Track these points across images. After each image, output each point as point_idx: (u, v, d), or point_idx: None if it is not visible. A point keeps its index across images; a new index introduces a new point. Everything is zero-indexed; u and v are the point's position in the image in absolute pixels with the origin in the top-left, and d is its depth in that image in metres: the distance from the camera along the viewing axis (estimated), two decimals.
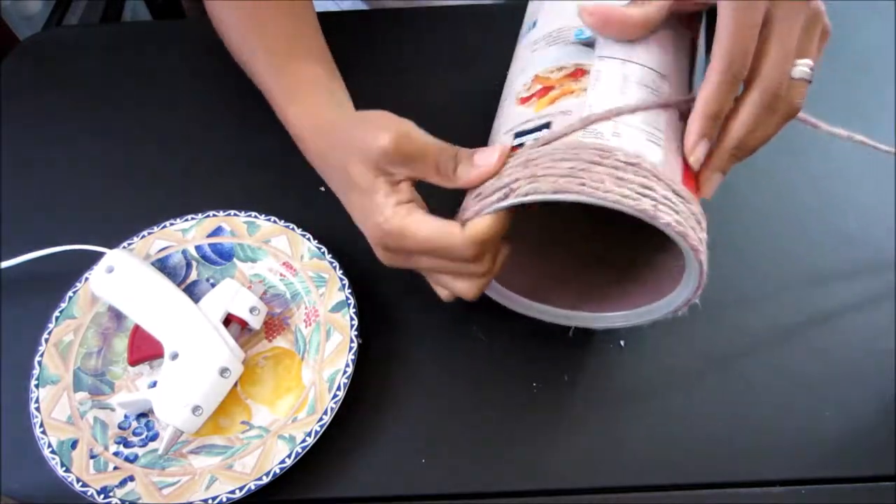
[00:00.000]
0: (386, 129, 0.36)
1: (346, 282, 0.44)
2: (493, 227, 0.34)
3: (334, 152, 0.40)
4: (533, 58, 0.41)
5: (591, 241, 0.44)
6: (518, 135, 0.37)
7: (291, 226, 0.47)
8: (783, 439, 0.41)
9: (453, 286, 0.38)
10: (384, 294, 0.47)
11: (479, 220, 0.34)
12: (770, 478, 0.40)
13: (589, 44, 0.39)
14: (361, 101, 0.58)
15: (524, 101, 0.38)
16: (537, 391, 0.43)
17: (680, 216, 0.33)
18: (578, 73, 0.38)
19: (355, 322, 0.43)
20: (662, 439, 0.41)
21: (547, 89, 0.38)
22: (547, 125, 0.36)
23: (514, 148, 0.36)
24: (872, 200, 0.50)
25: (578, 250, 0.45)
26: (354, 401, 0.41)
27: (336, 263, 0.45)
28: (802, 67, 0.35)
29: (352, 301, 0.44)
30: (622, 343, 0.44)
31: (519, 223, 0.36)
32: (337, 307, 0.44)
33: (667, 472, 0.40)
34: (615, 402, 0.42)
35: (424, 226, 0.35)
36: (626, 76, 0.36)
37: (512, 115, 0.38)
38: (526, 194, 0.33)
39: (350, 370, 0.41)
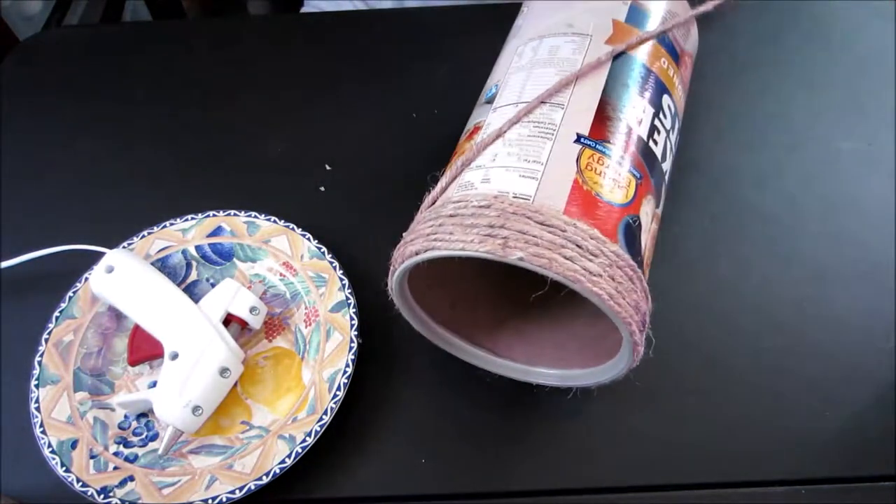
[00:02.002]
0: None
1: (346, 282, 0.44)
2: None
3: None
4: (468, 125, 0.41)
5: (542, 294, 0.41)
6: (431, 203, 0.37)
7: (291, 226, 0.47)
8: (783, 439, 0.41)
9: None
10: (384, 294, 0.46)
11: None
12: (770, 478, 0.40)
13: (491, 100, 0.39)
14: (364, 100, 0.58)
15: (442, 172, 0.39)
16: (537, 391, 0.43)
17: (541, 248, 0.31)
18: (475, 131, 0.38)
19: (355, 322, 0.43)
20: (663, 439, 0.41)
21: (454, 154, 0.38)
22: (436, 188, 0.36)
23: None
24: (873, 200, 0.50)
25: (524, 301, 0.41)
26: (354, 401, 0.41)
27: (336, 263, 0.45)
28: None
29: (352, 301, 0.44)
30: None
31: (469, 269, 0.36)
32: (337, 307, 0.44)
33: (667, 472, 0.40)
34: (615, 402, 0.42)
35: None
36: (510, 119, 0.36)
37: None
38: (402, 261, 0.34)
39: (350, 370, 0.41)
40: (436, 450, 0.41)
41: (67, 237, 0.46)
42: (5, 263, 0.46)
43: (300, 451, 0.39)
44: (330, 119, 0.57)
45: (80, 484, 0.38)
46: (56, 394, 0.41)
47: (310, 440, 0.39)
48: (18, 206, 0.52)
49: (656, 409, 0.42)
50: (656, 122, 0.38)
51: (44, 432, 0.40)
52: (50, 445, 0.39)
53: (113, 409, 0.42)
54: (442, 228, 0.33)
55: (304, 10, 0.77)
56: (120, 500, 0.38)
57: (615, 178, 0.35)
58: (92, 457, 0.39)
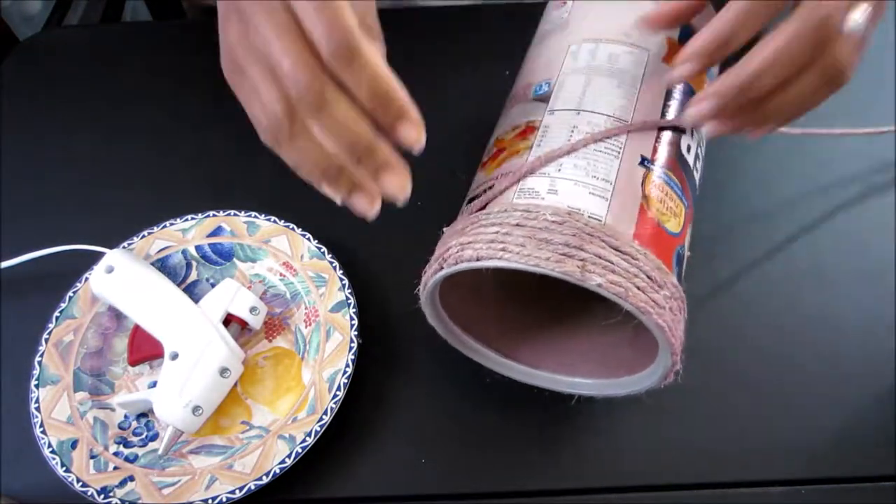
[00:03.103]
0: None
1: (346, 282, 0.44)
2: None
3: None
4: (502, 119, 0.40)
5: (577, 301, 0.39)
6: (470, 200, 0.36)
7: (291, 226, 0.47)
8: (783, 439, 0.41)
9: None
10: (384, 294, 0.47)
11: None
12: (770, 478, 0.40)
13: (544, 98, 0.37)
14: None
15: (483, 165, 0.38)
16: (537, 391, 0.43)
17: (617, 275, 0.30)
18: (528, 130, 0.37)
19: (355, 322, 0.43)
20: (662, 439, 0.41)
21: (500, 151, 0.37)
22: (491, 188, 0.34)
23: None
24: (873, 200, 0.50)
25: (560, 309, 0.41)
26: (354, 401, 0.41)
27: (336, 263, 0.45)
28: (855, 15, 0.29)
29: (352, 301, 0.44)
30: None
31: (497, 276, 0.34)
32: (337, 307, 0.44)
33: (667, 472, 0.40)
34: (615, 402, 0.42)
35: None
36: (575, 127, 0.34)
37: (475, 180, 0.38)
38: (455, 263, 0.32)
39: (350, 370, 0.41)
40: (436, 450, 0.41)
41: (67, 237, 0.46)
42: (5, 263, 0.46)
43: (300, 451, 0.39)
44: None
45: (80, 484, 0.38)
46: (56, 394, 0.41)
47: (310, 440, 0.39)
48: (18, 206, 0.52)
49: (656, 409, 0.42)
50: (699, 149, 0.38)
51: (44, 432, 0.40)
52: (50, 445, 0.39)
53: (113, 409, 0.42)
54: (509, 238, 0.31)
55: None
56: (120, 500, 0.38)
57: (672, 207, 0.34)
58: (92, 457, 0.39)
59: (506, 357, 0.41)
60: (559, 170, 0.33)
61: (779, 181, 0.51)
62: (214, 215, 0.48)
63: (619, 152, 0.34)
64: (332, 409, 0.40)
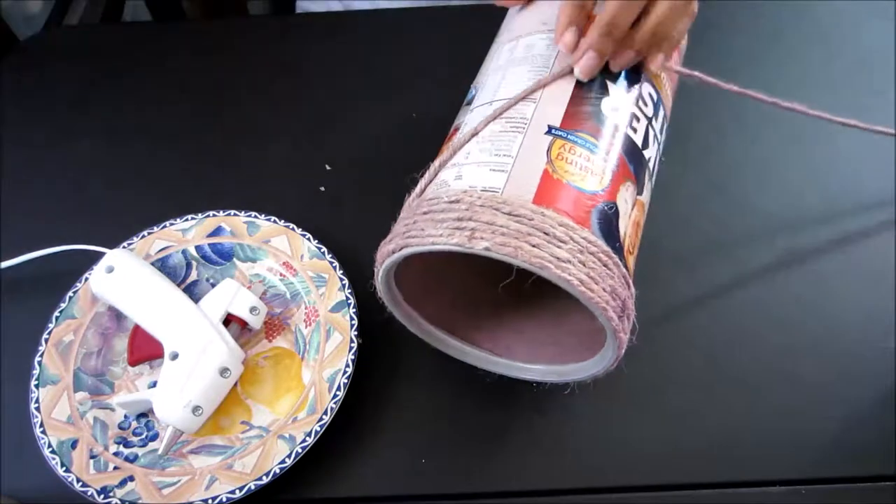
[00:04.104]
0: None
1: (346, 282, 0.44)
2: None
3: None
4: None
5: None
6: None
7: (291, 226, 0.47)
8: (783, 439, 0.41)
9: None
10: None
11: None
12: (770, 478, 0.40)
13: (470, 101, 0.40)
14: (364, 100, 0.58)
15: (422, 171, 0.39)
16: (537, 391, 0.43)
17: (507, 237, 0.31)
18: (453, 133, 0.39)
19: (355, 322, 0.43)
20: (662, 439, 0.41)
21: (436, 158, 0.39)
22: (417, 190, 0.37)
23: None
24: (873, 200, 0.50)
25: (517, 296, 0.42)
26: (354, 401, 0.41)
27: (336, 263, 0.45)
28: None
29: (352, 301, 0.44)
30: None
31: (456, 265, 0.36)
32: (337, 307, 0.44)
33: (667, 472, 0.40)
34: (615, 402, 0.42)
35: None
36: (486, 116, 0.37)
37: None
38: (382, 260, 0.35)
39: (350, 370, 0.41)
40: (436, 450, 0.41)
41: (67, 237, 0.46)
42: (5, 263, 0.46)
43: (300, 451, 0.39)
44: (330, 119, 0.57)
45: (80, 484, 0.38)
46: (56, 394, 0.41)
47: (310, 440, 0.39)
48: (18, 206, 0.52)
49: (657, 409, 0.42)
50: (635, 110, 0.38)
51: (44, 432, 0.40)
52: (50, 445, 0.39)
53: (113, 409, 0.42)
54: (415, 226, 0.33)
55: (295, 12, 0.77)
56: (120, 500, 0.38)
57: (587, 167, 0.35)
58: (92, 457, 0.39)
59: (467, 343, 0.41)
60: (467, 157, 0.36)
61: (779, 182, 0.51)
62: (214, 215, 0.48)
63: (524, 127, 0.36)
64: (332, 409, 0.40)
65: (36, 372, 0.42)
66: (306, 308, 0.45)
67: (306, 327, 0.45)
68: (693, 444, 0.41)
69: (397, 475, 0.41)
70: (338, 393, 0.40)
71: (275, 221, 0.47)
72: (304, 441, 0.39)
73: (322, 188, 0.52)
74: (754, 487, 0.40)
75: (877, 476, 0.40)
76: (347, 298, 0.44)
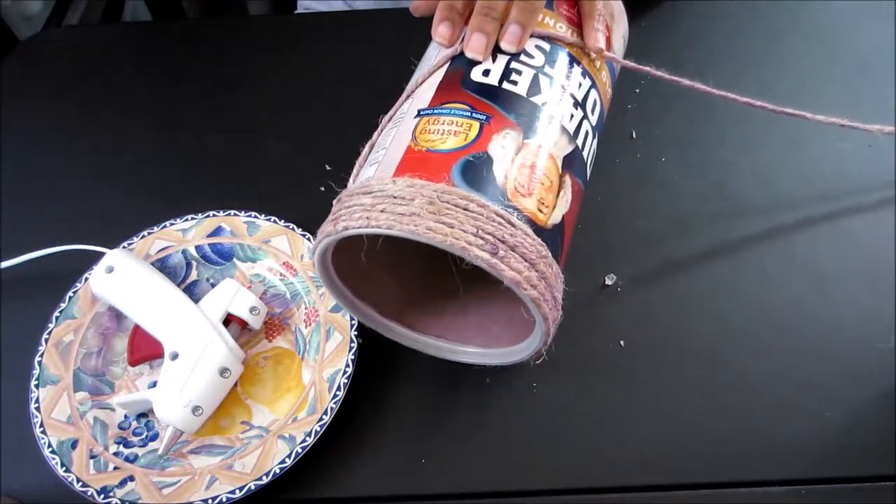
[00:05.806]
0: None
1: None
2: None
3: None
4: None
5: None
6: None
7: (291, 226, 0.47)
8: (783, 439, 0.41)
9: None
10: None
11: None
12: (770, 478, 0.40)
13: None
14: (364, 100, 0.58)
15: None
16: (537, 391, 0.43)
17: (361, 212, 0.33)
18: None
19: (355, 322, 0.43)
20: (662, 439, 0.41)
21: None
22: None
23: None
24: (873, 201, 0.50)
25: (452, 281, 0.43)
26: (354, 401, 0.41)
27: None
28: None
29: None
30: (622, 343, 0.44)
31: (392, 248, 0.37)
32: (337, 307, 0.44)
33: (667, 472, 0.40)
34: (615, 402, 0.42)
35: None
36: (379, 129, 0.40)
37: None
38: (314, 249, 0.37)
39: (350, 370, 0.41)
40: (436, 450, 0.41)
41: (67, 237, 0.46)
42: (5, 263, 0.46)
43: (300, 451, 0.39)
44: (330, 119, 0.57)
45: (80, 484, 0.38)
46: (56, 394, 0.41)
47: (310, 440, 0.39)
48: (18, 206, 0.52)
49: (656, 409, 0.42)
50: (513, 64, 0.39)
51: (44, 432, 0.40)
52: (50, 445, 0.39)
53: (113, 409, 0.42)
54: (324, 223, 0.37)
55: (296, 12, 0.77)
56: (120, 500, 0.38)
57: (448, 129, 0.36)
58: (92, 457, 0.39)
59: (406, 327, 0.42)
60: (366, 160, 0.39)
61: (778, 181, 0.51)
62: (214, 215, 0.48)
63: (400, 119, 0.38)
64: (332, 409, 0.40)
65: (36, 372, 0.42)
66: (306, 308, 0.45)
67: (306, 327, 0.45)
68: (693, 444, 0.41)
69: (397, 475, 0.41)
70: (338, 393, 0.40)
71: (275, 221, 0.47)
72: (304, 441, 0.39)
73: (322, 188, 0.52)
74: (754, 487, 0.40)
75: (877, 476, 0.40)
76: None
